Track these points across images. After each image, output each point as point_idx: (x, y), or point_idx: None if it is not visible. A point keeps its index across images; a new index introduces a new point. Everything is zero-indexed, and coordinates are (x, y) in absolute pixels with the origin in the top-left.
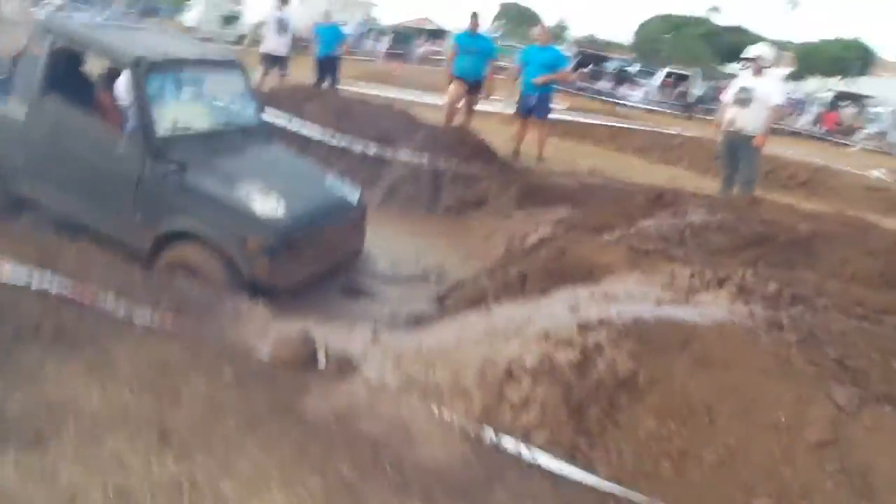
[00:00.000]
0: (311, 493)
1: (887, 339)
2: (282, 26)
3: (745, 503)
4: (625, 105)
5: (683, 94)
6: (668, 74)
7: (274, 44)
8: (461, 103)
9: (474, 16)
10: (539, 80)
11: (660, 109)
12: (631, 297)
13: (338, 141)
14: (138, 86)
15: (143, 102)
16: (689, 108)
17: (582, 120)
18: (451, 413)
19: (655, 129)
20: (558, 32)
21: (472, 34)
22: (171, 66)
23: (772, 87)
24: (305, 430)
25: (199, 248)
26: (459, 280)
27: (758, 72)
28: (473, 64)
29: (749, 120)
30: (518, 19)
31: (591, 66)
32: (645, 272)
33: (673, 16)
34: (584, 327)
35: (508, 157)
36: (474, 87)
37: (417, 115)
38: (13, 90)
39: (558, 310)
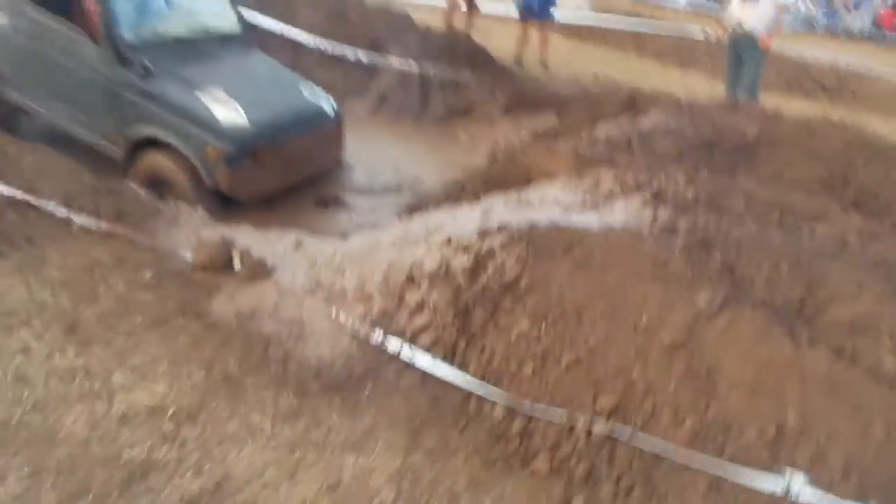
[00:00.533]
0: (193, 385)
1: (786, 247)
2: None
3: (592, 400)
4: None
5: None
6: None
7: None
8: (462, 6)
9: None
10: None
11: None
12: (545, 202)
13: (329, 47)
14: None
15: (110, 8)
16: None
17: (589, 23)
18: (348, 315)
19: (678, 34)
20: None
21: None
22: None
23: None
24: (205, 327)
25: (166, 156)
26: (429, 190)
27: None
28: None
29: (754, 19)
30: None
31: None
32: (574, 177)
33: None
34: (482, 233)
35: (509, 62)
36: None
37: (417, 19)
38: None
39: (471, 216)
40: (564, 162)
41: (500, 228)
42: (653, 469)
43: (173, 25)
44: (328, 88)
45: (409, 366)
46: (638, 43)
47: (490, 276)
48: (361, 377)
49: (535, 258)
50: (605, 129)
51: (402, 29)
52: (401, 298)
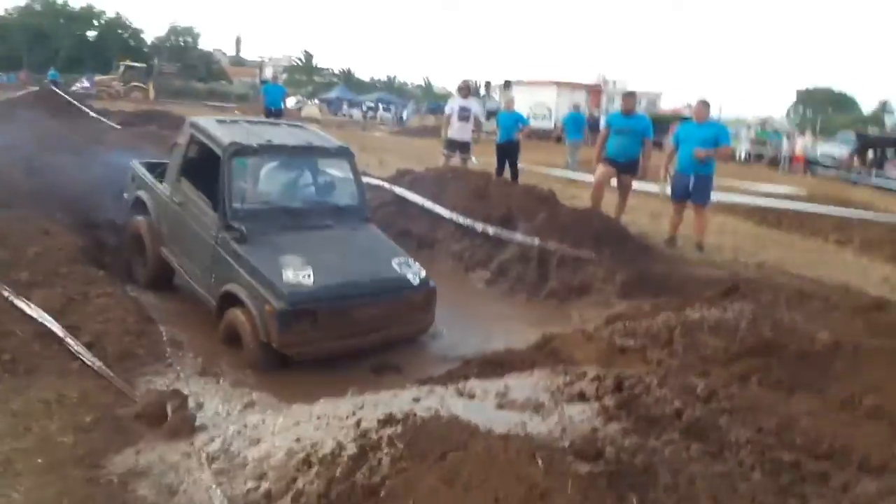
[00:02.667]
0: None
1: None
2: (464, 115)
3: None
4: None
5: None
6: None
7: (457, 131)
8: (612, 184)
9: (629, 95)
10: (700, 153)
11: None
12: (490, 394)
13: (463, 220)
14: (225, 166)
15: (227, 179)
16: None
17: (760, 203)
18: (228, 493)
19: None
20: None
21: (625, 114)
22: (263, 151)
23: None
24: (83, 481)
25: (241, 312)
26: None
27: None
28: (625, 145)
29: None
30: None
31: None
32: (568, 372)
33: None
34: (384, 421)
35: (658, 243)
36: (626, 168)
37: (570, 195)
38: (166, 173)
39: (407, 397)
40: (596, 349)
41: (396, 417)
42: None
43: (286, 197)
44: (456, 258)
45: None
46: (843, 231)
47: (363, 473)
48: None
49: (410, 460)
50: (661, 318)
51: (539, 205)
52: (292, 480)
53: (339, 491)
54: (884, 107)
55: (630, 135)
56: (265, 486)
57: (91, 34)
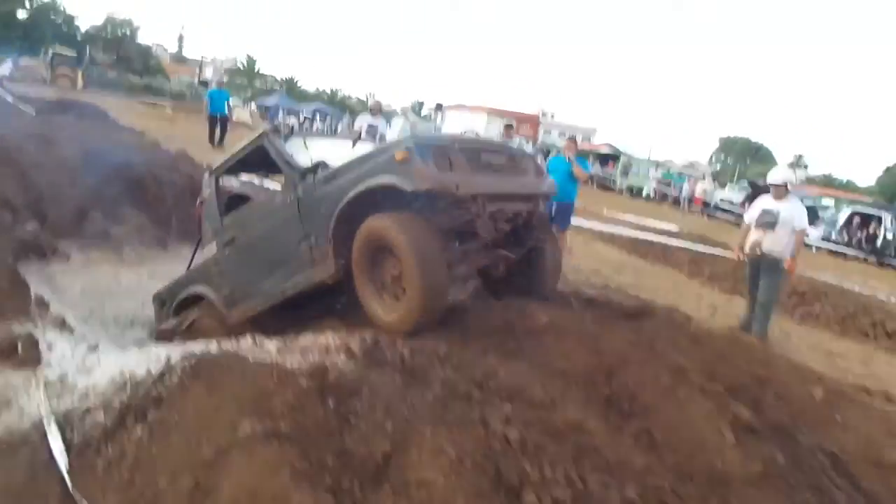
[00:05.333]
0: None
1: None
2: (371, 132)
3: None
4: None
5: (873, 238)
6: (854, 213)
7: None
8: None
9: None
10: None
11: (841, 251)
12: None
13: None
14: (278, 149)
15: (284, 159)
16: (879, 253)
17: (613, 230)
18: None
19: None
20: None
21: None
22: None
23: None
24: None
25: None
26: None
27: (780, 195)
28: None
29: (770, 242)
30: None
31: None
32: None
33: None
34: (185, 357)
35: None
36: None
37: None
38: (204, 237)
39: None
40: None
41: (194, 353)
42: None
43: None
44: None
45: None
46: (697, 265)
47: (157, 388)
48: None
49: (192, 378)
50: None
51: None
52: (107, 402)
53: (135, 404)
54: (798, 160)
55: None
56: (87, 403)
57: (21, 15)
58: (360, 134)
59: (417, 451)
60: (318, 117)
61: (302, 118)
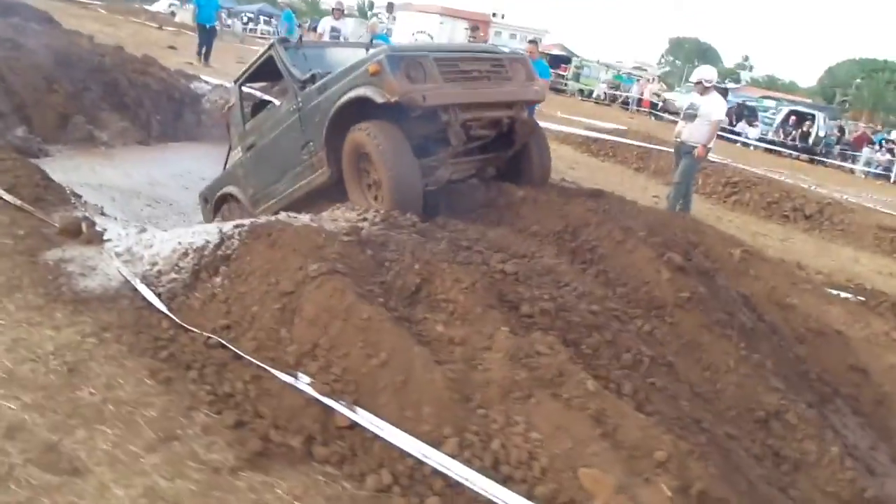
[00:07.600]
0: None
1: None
2: (334, 36)
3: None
4: (739, 142)
5: (806, 135)
6: (791, 112)
7: None
8: None
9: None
10: None
11: (777, 149)
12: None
13: None
14: (282, 59)
15: (287, 69)
16: (810, 150)
17: (566, 130)
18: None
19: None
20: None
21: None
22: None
23: (713, 104)
24: (25, 263)
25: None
26: None
27: (703, 91)
28: None
29: (687, 133)
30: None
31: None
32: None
33: (867, 60)
34: (237, 225)
35: None
36: None
37: None
38: (231, 142)
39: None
40: None
41: (244, 223)
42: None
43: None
44: None
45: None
46: (644, 160)
47: (221, 250)
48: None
49: (250, 239)
50: None
51: None
52: (175, 265)
53: (205, 263)
54: (745, 61)
55: None
56: (157, 268)
57: None
58: (323, 38)
59: (441, 281)
60: (261, 19)
61: (245, 19)
